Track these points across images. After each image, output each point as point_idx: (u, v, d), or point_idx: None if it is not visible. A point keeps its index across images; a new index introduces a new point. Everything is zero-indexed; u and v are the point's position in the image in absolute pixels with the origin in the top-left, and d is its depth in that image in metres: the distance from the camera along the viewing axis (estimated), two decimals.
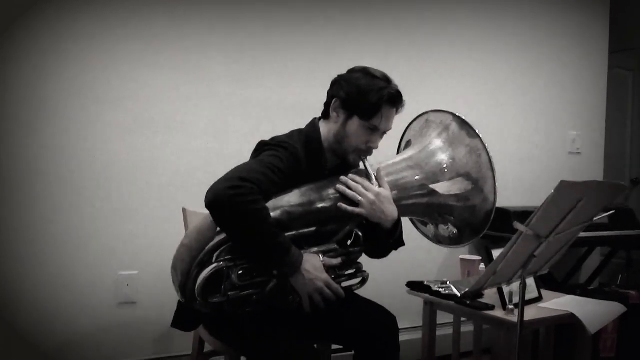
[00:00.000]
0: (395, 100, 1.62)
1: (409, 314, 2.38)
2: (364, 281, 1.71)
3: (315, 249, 1.55)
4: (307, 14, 2.57)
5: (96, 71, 2.19)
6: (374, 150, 1.67)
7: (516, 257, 1.47)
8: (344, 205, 1.56)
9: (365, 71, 1.62)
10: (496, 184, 1.63)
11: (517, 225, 1.38)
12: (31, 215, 2.11)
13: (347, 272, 1.68)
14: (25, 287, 2.11)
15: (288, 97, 2.51)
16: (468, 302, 1.94)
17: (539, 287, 2.07)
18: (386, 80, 1.62)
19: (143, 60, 2.26)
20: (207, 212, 1.45)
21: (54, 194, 2.15)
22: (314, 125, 1.67)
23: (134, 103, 2.26)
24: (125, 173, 2.25)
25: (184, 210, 2.03)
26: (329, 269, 1.55)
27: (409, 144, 1.80)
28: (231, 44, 2.42)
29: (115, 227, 2.23)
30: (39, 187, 2.12)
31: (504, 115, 3.07)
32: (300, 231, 1.53)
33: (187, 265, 1.45)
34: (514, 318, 1.79)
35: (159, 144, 2.30)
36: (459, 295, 1.98)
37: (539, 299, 2.05)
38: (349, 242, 1.69)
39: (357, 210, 1.56)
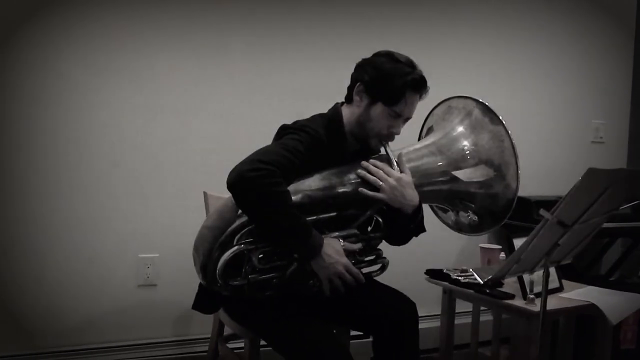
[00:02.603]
0: (419, 86, 1.60)
1: (427, 302, 2.36)
2: (383, 268, 1.71)
3: (335, 234, 1.55)
4: None
5: (116, 55, 2.20)
6: (396, 136, 1.66)
7: (540, 245, 1.45)
8: (364, 190, 1.55)
9: (390, 55, 1.61)
10: (519, 171, 1.61)
11: (543, 212, 1.36)
12: (53, 198, 2.14)
13: (367, 258, 1.67)
14: (48, 269, 2.14)
15: (309, 81, 2.50)
16: (488, 291, 1.92)
17: (559, 277, 2.05)
18: (411, 65, 1.60)
19: (164, 44, 2.26)
20: (228, 195, 1.46)
21: (76, 178, 2.17)
22: (336, 109, 1.66)
23: (155, 86, 2.26)
24: (146, 155, 2.26)
25: (205, 194, 2.04)
26: (349, 253, 1.54)
27: (430, 130, 1.79)
28: (251, 28, 2.41)
29: (137, 210, 2.25)
30: (60, 170, 2.15)
31: (526, 104, 3.03)
32: (321, 216, 1.53)
33: (209, 246, 1.46)
34: (534, 307, 1.77)
35: (181, 128, 2.31)
36: (481, 282, 1.97)
37: (560, 289, 2.02)
38: (369, 228, 1.68)
39: (378, 195, 1.56)
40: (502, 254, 2.18)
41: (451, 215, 1.79)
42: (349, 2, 2.59)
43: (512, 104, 2.95)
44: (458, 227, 1.79)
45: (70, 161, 2.16)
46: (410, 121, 1.67)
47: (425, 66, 1.66)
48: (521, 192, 1.64)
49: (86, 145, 2.18)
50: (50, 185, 2.13)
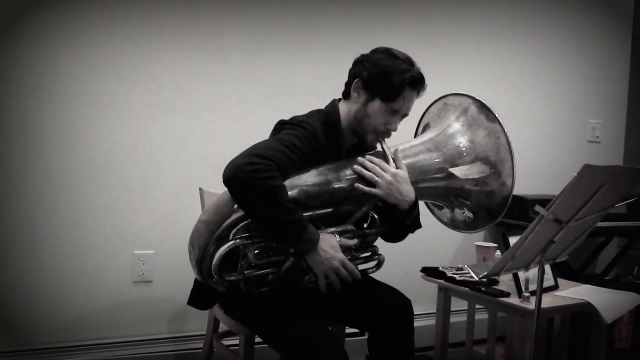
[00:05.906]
0: (417, 83, 1.60)
1: (423, 300, 2.37)
2: (379, 264, 1.71)
3: (331, 229, 1.55)
4: None
5: (113, 52, 2.19)
6: (392, 133, 1.66)
7: (535, 241, 1.46)
8: (360, 186, 1.55)
9: (388, 52, 1.61)
10: (514, 168, 1.61)
11: (539, 208, 1.36)
12: (48, 195, 2.13)
13: (363, 255, 1.68)
14: (43, 266, 2.13)
15: (306, 78, 2.50)
16: (483, 289, 1.92)
17: (555, 276, 2.05)
18: (409, 62, 1.61)
19: (160, 41, 2.26)
20: (224, 190, 1.45)
21: (72, 174, 2.16)
22: (333, 105, 1.66)
23: (151, 83, 2.26)
24: (142, 153, 2.25)
25: (200, 190, 2.03)
26: (345, 249, 1.54)
27: (427, 126, 1.79)
28: (248, 25, 2.40)
29: (132, 207, 2.24)
30: (55, 167, 2.14)
31: (522, 102, 3.03)
32: (317, 211, 1.53)
33: (205, 240, 1.46)
34: (529, 305, 1.77)
35: (176, 124, 2.30)
36: (476, 278, 1.97)
37: (555, 287, 2.03)
38: (365, 225, 1.68)
39: (373, 190, 1.55)
40: (498, 252, 2.18)
41: (447, 212, 1.79)
42: (348, 1, 2.58)
43: (508, 103, 2.96)
44: (453, 224, 1.79)
45: (65, 158, 2.15)
46: (406, 118, 1.68)
47: (422, 64, 1.66)
48: (517, 191, 1.64)
49: (81, 143, 2.17)
50: (45, 183, 2.12)
